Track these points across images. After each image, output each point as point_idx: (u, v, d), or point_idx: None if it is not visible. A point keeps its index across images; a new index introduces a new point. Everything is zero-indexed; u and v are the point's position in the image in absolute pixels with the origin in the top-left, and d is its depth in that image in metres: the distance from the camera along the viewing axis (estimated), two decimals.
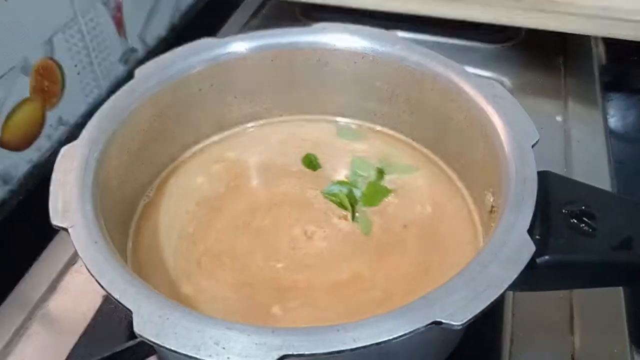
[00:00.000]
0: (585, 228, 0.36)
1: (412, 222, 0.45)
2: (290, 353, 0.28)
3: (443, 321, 0.29)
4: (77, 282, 0.51)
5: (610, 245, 0.35)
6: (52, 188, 0.37)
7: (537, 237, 0.35)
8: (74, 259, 0.52)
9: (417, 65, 0.47)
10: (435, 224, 0.45)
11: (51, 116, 0.57)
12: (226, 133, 0.53)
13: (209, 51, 0.48)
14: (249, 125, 0.54)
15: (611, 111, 0.73)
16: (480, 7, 0.65)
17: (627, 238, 0.36)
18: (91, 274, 0.32)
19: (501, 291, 0.30)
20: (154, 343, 0.29)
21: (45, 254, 0.53)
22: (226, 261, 0.43)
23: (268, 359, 0.28)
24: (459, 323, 0.29)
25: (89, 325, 0.44)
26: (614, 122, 0.72)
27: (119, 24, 0.66)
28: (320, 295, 0.40)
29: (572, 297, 0.48)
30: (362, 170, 0.49)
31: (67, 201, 0.36)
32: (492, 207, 0.42)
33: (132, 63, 0.69)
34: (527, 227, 0.33)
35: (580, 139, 0.63)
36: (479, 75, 0.45)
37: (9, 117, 0.52)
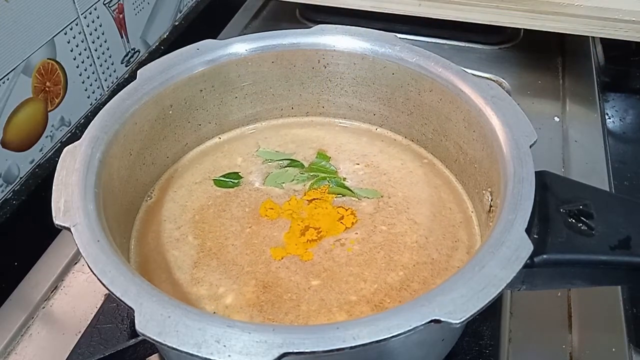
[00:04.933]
0: (584, 227, 0.36)
1: (410, 220, 0.45)
2: (291, 351, 0.28)
3: (442, 319, 0.29)
4: (79, 281, 0.51)
5: (608, 245, 0.36)
6: (54, 188, 0.37)
7: (535, 236, 0.35)
8: (75, 258, 0.53)
9: (416, 66, 0.48)
10: (433, 222, 0.45)
11: (53, 117, 0.58)
12: (227, 134, 0.54)
13: (211, 52, 0.49)
14: (250, 126, 0.54)
15: (610, 112, 0.73)
16: (479, 9, 0.66)
17: (626, 237, 0.36)
18: (93, 273, 0.32)
19: (499, 290, 0.31)
20: (156, 341, 0.29)
21: (47, 253, 0.53)
22: (228, 261, 0.43)
23: (269, 357, 0.28)
24: (458, 321, 0.29)
25: (90, 324, 0.44)
26: (612, 122, 0.72)
27: (121, 26, 0.66)
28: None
29: (570, 296, 0.48)
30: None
31: (69, 201, 0.36)
32: (491, 206, 0.42)
33: (134, 64, 0.70)
34: (525, 227, 0.34)
35: (578, 139, 0.63)
36: (478, 76, 0.45)
37: (11, 117, 0.53)
